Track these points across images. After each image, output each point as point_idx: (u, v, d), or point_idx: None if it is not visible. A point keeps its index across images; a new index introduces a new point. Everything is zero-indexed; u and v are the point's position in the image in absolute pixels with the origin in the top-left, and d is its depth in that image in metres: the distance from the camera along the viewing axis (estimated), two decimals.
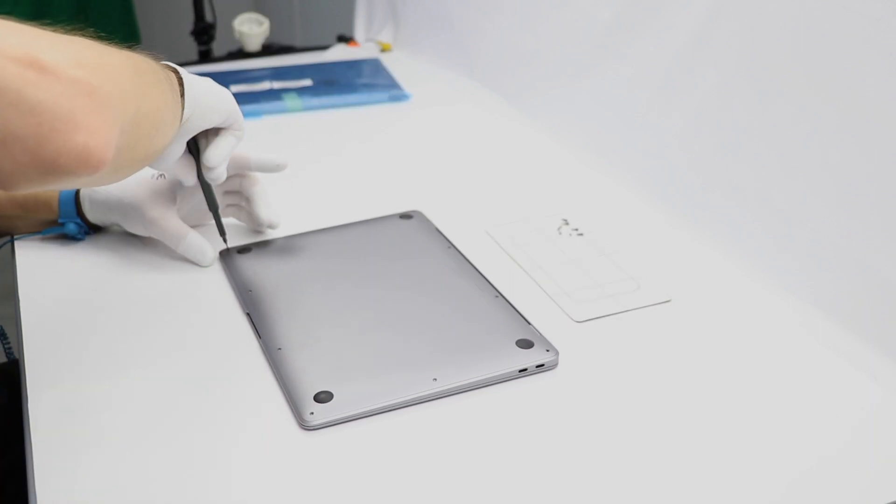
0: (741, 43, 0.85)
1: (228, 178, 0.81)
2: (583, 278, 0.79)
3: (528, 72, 1.19)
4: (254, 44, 1.47)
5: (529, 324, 0.71)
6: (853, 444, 0.60)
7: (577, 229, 0.87)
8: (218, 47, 1.82)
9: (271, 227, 0.84)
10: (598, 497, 0.56)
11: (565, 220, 0.89)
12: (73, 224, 0.82)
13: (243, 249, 0.82)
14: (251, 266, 0.79)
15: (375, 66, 1.37)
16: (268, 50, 1.48)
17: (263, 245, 0.83)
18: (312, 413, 0.61)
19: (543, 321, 0.72)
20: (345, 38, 1.51)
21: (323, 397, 0.62)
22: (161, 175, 0.81)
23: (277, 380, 0.65)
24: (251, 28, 1.46)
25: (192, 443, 0.60)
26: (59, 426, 0.61)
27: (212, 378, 0.66)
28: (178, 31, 2.15)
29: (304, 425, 0.61)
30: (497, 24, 1.27)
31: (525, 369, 0.66)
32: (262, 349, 0.69)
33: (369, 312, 0.72)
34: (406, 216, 0.88)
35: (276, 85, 1.28)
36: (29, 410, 0.62)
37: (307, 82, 1.29)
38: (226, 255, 0.81)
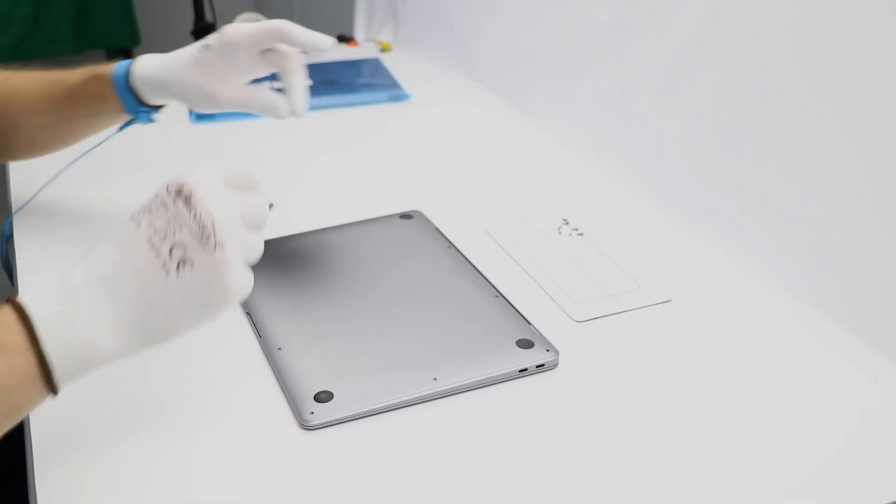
0: (741, 43, 0.85)
1: (269, 51, 0.78)
2: (583, 278, 0.79)
3: (528, 72, 1.19)
4: None
5: (529, 324, 0.71)
6: (853, 443, 0.60)
7: (577, 229, 0.87)
8: None
9: (299, 115, 0.80)
10: (599, 497, 0.56)
11: (565, 220, 0.89)
12: (142, 114, 0.81)
13: None
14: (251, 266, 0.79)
15: (375, 65, 1.37)
16: None
17: (264, 245, 0.82)
18: (312, 413, 0.61)
19: (543, 321, 0.72)
20: (345, 38, 1.51)
21: (323, 397, 0.62)
22: (206, 46, 0.78)
23: (277, 380, 0.65)
24: None
25: (193, 443, 0.60)
26: (59, 426, 0.61)
27: (212, 378, 0.66)
28: (178, 31, 2.14)
29: (304, 425, 0.61)
30: (497, 24, 1.27)
31: (525, 369, 0.66)
32: (262, 349, 0.69)
33: (369, 312, 0.72)
34: (406, 216, 0.88)
35: (277, 85, 1.27)
36: None
37: (307, 82, 1.28)
38: None
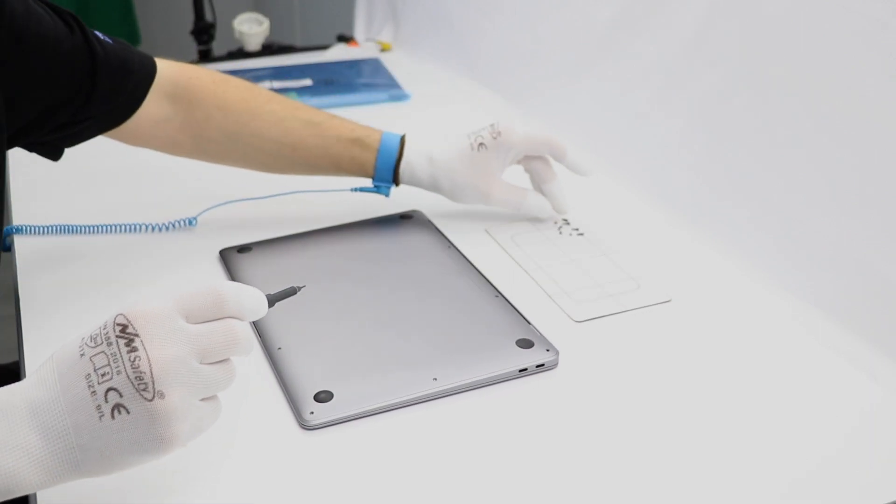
0: (741, 43, 0.85)
1: (533, 158, 0.85)
2: (583, 278, 0.79)
3: (528, 72, 1.19)
4: (254, 43, 1.47)
5: (529, 324, 0.71)
6: (853, 443, 0.60)
7: (577, 229, 0.87)
8: (218, 47, 1.82)
9: (563, 213, 0.87)
10: (599, 497, 0.56)
11: (566, 220, 0.89)
12: (385, 189, 0.85)
13: (243, 249, 0.82)
14: (251, 266, 0.79)
15: (375, 65, 1.37)
16: (268, 50, 1.48)
17: (264, 245, 0.83)
18: (312, 413, 0.61)
19: (543, 321, 0.71)
20: (345, 38, 1.51)
21: (323, 397, 0.62)
22: (482, 144, 0.82)
23: (277, 380, 0.65)
24: (251, 28, 1.46)
25: (193, 443, 0.60)
26: None
27: None
28: (178, 31, 2.14)
29: (304, 425, 0.61)
30: (497, 24, 1.27)
31: (525, 369, 0.66)
32: (262, 349, 0.69)
33: (369, 312, 0.72)
34: (406, 216, 0.88)
35: (277, 85, 1.28)
36: None
37: (307, 82, 1.29)
38: (226, 255, 0.81)
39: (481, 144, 0.82)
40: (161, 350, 0.47)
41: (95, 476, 0.49)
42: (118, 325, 0.48)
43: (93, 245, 0.83)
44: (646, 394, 0.65)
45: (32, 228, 0.85)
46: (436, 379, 0.64)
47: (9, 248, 0.84)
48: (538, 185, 0.86)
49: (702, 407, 0.63)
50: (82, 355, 0.48)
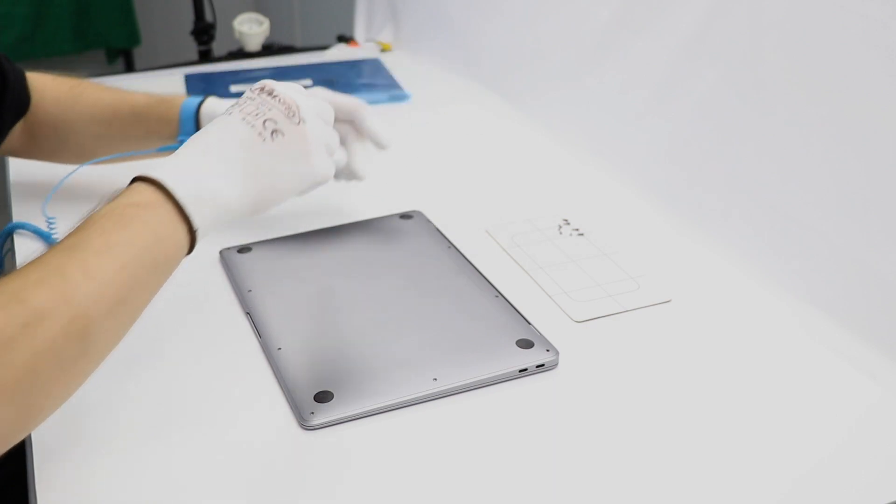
0: (740, 43, 0.85)
1: (338, 121, 0.84)
2: (583, 278, 0.79)
3: (529, 72, 1.19)
4: (254, 44, 1.47)
5: (529, 324, 0.71)
6: (852, 443, 0.60)
7: (577, 229, 0.87)
8: (218, 47, 1.83)
9: (359, 178, 0.85)
10: (599, 497, 0.56)
11: (566, 220, 0.89)
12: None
13: (243, 249, 0.82)
14: (251, 266, 0.79)
15: (375, 66, 1.37)
16: (268, 50, 1.48)
17: (264, 245, 0.83)
18: (312, 413, 0.61)
19: (543, 321, 0.72)
20: (345, 38, 1.51)
21: (323, 397, 0.62)
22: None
23: (277, 380, 0.65)
24: (251, 28, 1.46)
25: (193, 443, 0.60)
26: (59, 428, 0.61)
27: (212, 378, 0.66)
28: (178, 31, 2.15)
29: (304, 425, 0.61)
30: (497, 24, 1.27)
31: (525, 369, 0.66)
32: (262, 349, 0.69)
33: (369, 312, 0.72)
34: (406, 216, 0.88)
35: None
36: None
37: (307, 82, 1.29)
38: (226, 255, 0.81)
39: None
40: (297, 96, 0.65)
41: (267, 202, 0.64)
42: (257, 88, 0.65)
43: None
44: (646, 394, 0.65)
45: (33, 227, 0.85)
46: (436, 379, 0.64)
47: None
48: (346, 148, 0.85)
49: (702, 407, 0.64)
50: (230, 114, 0.63)
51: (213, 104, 0.85)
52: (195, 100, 0.85)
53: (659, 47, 0.96)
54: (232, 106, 0.65)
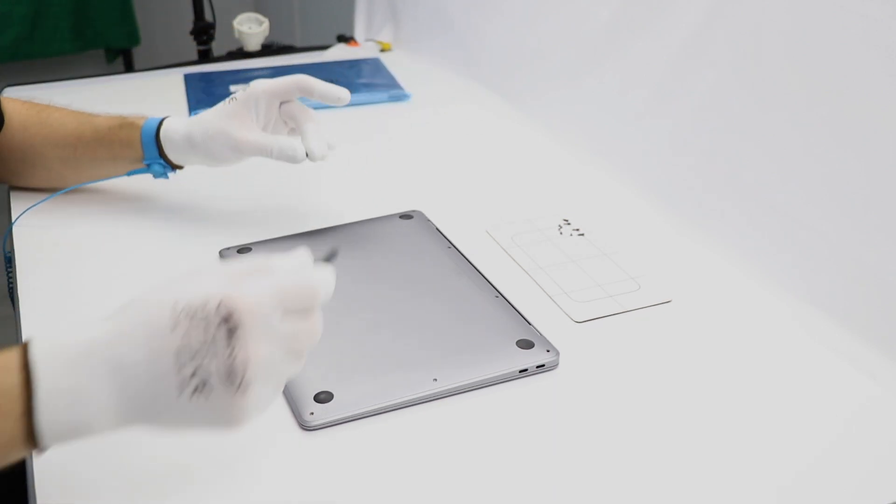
0: (740, 43, 0.85)
1: (287, 103, 0.83)
2: (583, 278, 0.79)
3: (528, 72, 1.19)
4: (254, 43, 1.47)
5: (530, 324, 0.71)
6: (851, 442, 0.60)
7: (577, 229, 0.87)
8: (218, 47, 1.82)
9: (314, 159, 0.82)
10: (599, 497, 0.56)
11: (566, 220, 0.89)
12: (157, 165, 0.86)
13: (243, 249, 0.82)
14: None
15: (375, 65, 1.37)
16: (268, 50, 1.48)
17: (264, 245, 0.83)
18: (312, 413, 0.61)
19: (543, 321, 0.72)
20: (345, 38, 1.51)
21: (323, 397, 0.62)
22: (232, 98, 0.82)
23: None
24: (251, 28, 1.46)
25: (193, 443, 0.60)
26: None
27: None
28: (178, 31, 2.15)
29: (304, 425, 0.61)
30: (497, 24, 1.27)
31: (525, 370, 0.66)
32: None
33: (369, 312, 0.72)
34: (406, 216, 0.88)
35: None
36: None
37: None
38: (226, 255, 0.81)
39: (232, 98, 0.82)
40: (256, 348, 0.48)
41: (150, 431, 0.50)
42: (221, 313, 0.47)
43: (93, 245, 0.83)
44: (646, 394, 0.65)
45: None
46: (436, 379, 0.64)
47: (9, 260, 0.84)
48: (296, 129, 0.85)
49: (702, 407, 0.64)
50: (174, 328, 0.47)
51: (170, 125, 0.85)
52: (154, 121, 0.86)
53: (659, 47, 0.96)
54: (185, 310, 0.48)
